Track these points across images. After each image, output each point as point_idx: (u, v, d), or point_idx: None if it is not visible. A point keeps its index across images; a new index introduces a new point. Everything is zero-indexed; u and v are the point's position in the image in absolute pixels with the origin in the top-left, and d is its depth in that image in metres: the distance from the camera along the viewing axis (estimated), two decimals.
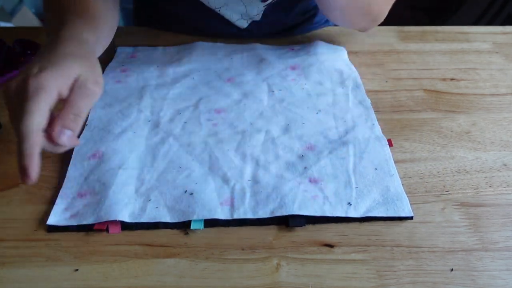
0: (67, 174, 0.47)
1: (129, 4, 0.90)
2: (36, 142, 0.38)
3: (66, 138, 0.40)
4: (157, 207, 0.44)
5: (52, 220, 0.42)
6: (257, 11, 0.68)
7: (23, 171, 0.37)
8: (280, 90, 0.60)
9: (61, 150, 0.41)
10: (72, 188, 0.46)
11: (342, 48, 0.68)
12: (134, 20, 0.90)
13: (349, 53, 0.68)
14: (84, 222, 0.42)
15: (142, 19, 0.86)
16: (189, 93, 0.59)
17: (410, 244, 0.41)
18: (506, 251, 0.41)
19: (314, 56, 0.65)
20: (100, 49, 0.54)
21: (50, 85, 0.39)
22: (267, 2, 0.66)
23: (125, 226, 0.43)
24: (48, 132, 0.39)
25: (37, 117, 0.38)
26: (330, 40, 0.70)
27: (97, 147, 0.50)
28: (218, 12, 0.69)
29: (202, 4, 0.68)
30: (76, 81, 0.41)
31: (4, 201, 0.45)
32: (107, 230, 0.42)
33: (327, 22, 0.80)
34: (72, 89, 0.40)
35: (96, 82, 0.42)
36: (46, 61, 0.41)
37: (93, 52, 0.48)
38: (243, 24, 0.71)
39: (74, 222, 0.42)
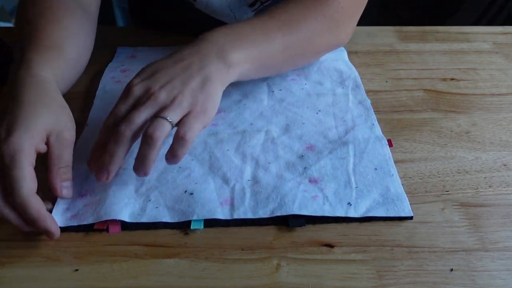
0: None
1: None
2: (38, 204, 0.38)
3: (67, 190, 0.42)
4: (157, 207, 0.44)
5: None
6: (246, 17, 0.68)
7: (47, 234, 0.39)
8: (280, 90, 0.60)
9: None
10: (73, 187, 0.46)
11: (342, 48, 0.68)
12: (132, 20, 0.90)
13: (349, 53, 0.68)
14: (84, 222, 0.42)
15: (138, 19, 0.86)
16: None
17: (410, 244, 0.41)
18: (506, 251, 0.41)
19: None
20: (66, 82, 0.50)
21: (25, 147, 0.39)
22: (255, 7, 0.66)
23: (125, 226, 0.43)
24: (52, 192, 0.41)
25: (28, 183, 0.38)
26: None
27: None
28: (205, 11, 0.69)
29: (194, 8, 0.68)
30: (50, 135, 0.41)
31: None
32: (107, 230, 0.42)
33: None
34: (50, 144, 0.41)
35: (69, 129, 0.43)
36: (13, 121, 0.40)
37: (55, 91, 0.45)
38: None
39: (74, 223, 0.42)
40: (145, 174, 0.42)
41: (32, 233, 0.42)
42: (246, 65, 0.48)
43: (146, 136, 0.40)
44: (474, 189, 0.47)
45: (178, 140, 0.41)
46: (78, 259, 0.40)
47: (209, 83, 0.44)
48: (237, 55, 0.47)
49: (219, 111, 0.56)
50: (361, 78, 0.62)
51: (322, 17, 0.53)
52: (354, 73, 0.63)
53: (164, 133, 0.41)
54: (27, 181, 0.38)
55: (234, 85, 0.60)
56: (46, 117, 0.41)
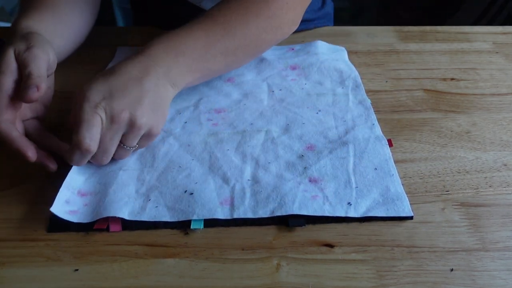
0: (70, 172, 0.48)
1: (129, 4, 0.90)
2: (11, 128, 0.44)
3: (36, 93, 0.44)
4: (157, 206, 0.44)
5: (54, 209, 0.42)
6: None
7: (21, 154, 0.44)
8: (280, 90, 0.60)
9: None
10: (73, 182, 0.46)
11: (342, 48, 0.68)
12: (134, 18, 0.91)
13: (349, 53, 0.68)
14: (84, 221, 0.42)
15: (140, 17, 0.87)
16: (189, 93, 0.59)
17: (410, 244, 0.41)
18: (506, 251, 0.41)
19: (314, 56, 0.65)
20: (59, 44, 0.53)
21: (42, 56, 0.46)
22: None
23: (125, 225, 0.43)
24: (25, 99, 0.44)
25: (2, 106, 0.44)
26: (330, 40, 0.70)
27: None
28: (199, 6, 0.69)
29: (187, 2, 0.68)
30: (23, 53, 0.46)
31: (4, 201, 0.45)
32: (107, 229, 0.42)
33: (326, 22, 0.80)
34: (21, 61, 0.45)
35: (40, 46, 0.47)
36: (32, 40, 0.46)
37: (35, 33, 0.49)
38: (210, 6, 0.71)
39: (74, 219, 0.42)
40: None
41: (32, 233, 0.42)
42: (189, 79, 0.51)
43: (114, 158, 0.47)
44: (474, 189, 0.47)
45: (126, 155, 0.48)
46: (78, 259, 0.40)
47: (160, 102, 0.47)
48: (181, 73, 0.49)
49: (219, 111, 0.56)
50: (361, 78, 0.62)
51: (265, 18, 0.54)
52: (354, 73, 0.63)
53: (127, 155, 0.48)
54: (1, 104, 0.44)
55: (234, 85, 0.61)
56: (18, 41, 0.47)
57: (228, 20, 0.52)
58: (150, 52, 0.48)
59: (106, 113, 0.43)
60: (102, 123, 0.43)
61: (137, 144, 0.47)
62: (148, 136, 0.47)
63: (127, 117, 0.44)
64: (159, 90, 0.47)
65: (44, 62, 0.46)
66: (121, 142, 0.45)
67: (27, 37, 0.48)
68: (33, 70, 0.44)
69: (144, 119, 0.44)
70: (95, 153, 0.44)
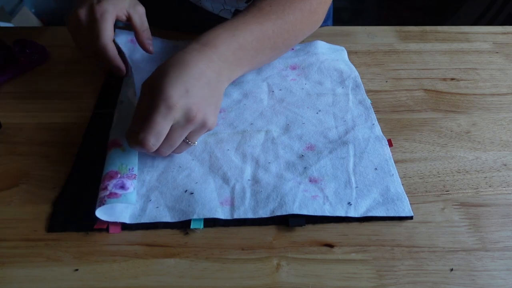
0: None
1: None
2: (113, 49, 0.55)
3: (151, 46, 0.59)
4: (157, 207, 0.44)
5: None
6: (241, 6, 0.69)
7: (117, 70, 0.57)
8: (280, 90, 0.60)
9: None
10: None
11: (342, 48, 0.68)
12: None
13: (349, 53, 0.68)
14: (84, 222, 0.42)
15: None
16: None
17: (410, 244, 0.41)
18: (506, 251, 0.41)
19: (314, 56, 0.65)
20: None
21: (110, 10, 0.54)
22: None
23: (125, 226, 0.43)
24: (140, 42, 0.58)
25: (109, 32, 0.54)
26: (330, 40, 0.70)
27: None
28: (200, 5, 0.69)
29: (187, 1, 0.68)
30: (128, 9, 0.57)
31: (4, 201, 0.45)
32: (107, 230, 0.42)
33: (326, 22, 0.80)
34: (130, 16, 0.57)
35: (140, 4, 0.59)
36: None
37: None
38: (228, 15, 0.71)
39: (74, 222, 0.42)
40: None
41: (32, 233, 0.42)
42: (241, 72, 0.52)
43: (174, 151, 0.47)
44: (474, 189, 0.47)
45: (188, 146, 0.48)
46: (78, 259, 0.40)
47: (220, 99, 0.49)
48: (236, 68, 0.51)
49: (219, 111, 0.56)
50: (361, 78, 0.62)
51: (308, 12, 0.56)
52: (354, 73, 0.63)
53: (184, 151, 0.49)
54: (108, 31, 0.54)
55: (234, 85, 0.61)
56: None
57: (278, 15, 0.54)
58: (213, 43, 0.48)
59: (182, 112, 0.43)
60: (173, 122, 0.43)
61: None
62: (202, 130, 0.47)
63: (202, 117, 0.44)
64: (222, 88, 0.49)
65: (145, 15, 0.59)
66: (188, 139, 0.46)
67: None
68: (148, 26, 0.58)
69: (213, 119, 0.46)
70: (161, 147, 0.45)
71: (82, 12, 0.54)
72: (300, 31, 0.57)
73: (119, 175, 0.44)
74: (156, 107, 0.42)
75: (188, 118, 0.43)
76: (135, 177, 0.44)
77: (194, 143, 0.47)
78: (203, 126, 0.45)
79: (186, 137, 0.46)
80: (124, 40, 0.63)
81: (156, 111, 0.42)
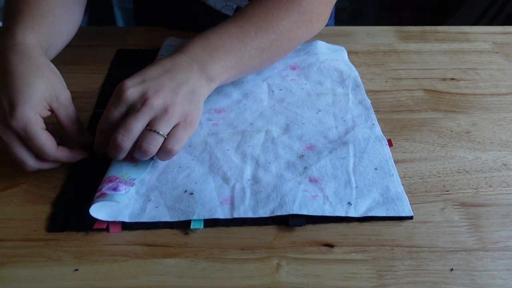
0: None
1: (129, 4, 0.90)
2: (66, 154, 0.47)
3: (87, 137, 0.49)
4: (157, 206, 0.44)
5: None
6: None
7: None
8: (280, 90, 0.60)
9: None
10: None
11: (342, 48, 0.68)
12: (134, 20, 0.91)
13: (349, 53, 0.68)
14: (84, 222, 0.42)
15: (142, 19, 0.87)
16: None
17: (410, 244, 0.41)
18: (506, 251, 0.41)
19: (314, 56, 0.65)
20: (51, 48, 0.54)
21: (31, 118, 0.44)
22: None
23: (125, 226, 0.43)
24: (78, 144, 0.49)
25: (49, 145, 0.45)
26: (330, 40, 0.70)
27: None
28: (205, 1, 0.69)
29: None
30: (51, 102, 0.46)
31: (4, 201, 0.45)
32: (107, 229, 0.42)
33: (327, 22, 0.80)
34: (54, 110, 0.47)
35: (63, 90, 0.47)
36: (13, 96, 0.44)
37: (41, 56, 0.49)
38: (229, 11, 0.71)
39: (74, 222, 0.42)
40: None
41: (32, 233, 0.42)
42: (225, 75, 0.51)
43: (140, 149, 0.44)
44: (474, 189, 0.47)
45: (166, 152, 0.45)
46: (78, 259, 0.40)
47: (195, 95, 0.47)
48: (216, 68, 0.50)
49: (219, 111, 0.56)
50: (361, 78, 0.62)
51: (296, 13, 0.55)
52: (354, 73, 0.63)
53: (157, 147, 0.44)
54: (47, 144, 0.45)
55: (234, 85, 0.61)
56: (42, 86, 0.46)
57: (261, 17, 0.53)
58: (186, 49, 0.49)
59: (136, 96, 0.44)
60: (127, 108, 0.45)
61: (171, 135, 0.45)
62: (185, 127, 0.45)
63: (160, 102, 0.44)
64: (193, 83, 0.47)
65: (73, 105, 0.49)
66: (151, 126, 0.44)
67: (52, 73, 0.48)
68: (76, 116, 0.49)
69: (178, 108, 0.45)
70: (116, 133, 0.44)
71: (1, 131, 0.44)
72: (290, 31, 0.55)
73: (117, 180, 0.44)
74: (111, 97, 0.45)
75: (143, 101, 0.44)
76: (132, 185, 0.44)
77: (163, 134, 0.44)
78: (166, 112, 0.44)
79: (150, 126, 0.44)
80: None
81: (110, 99, 0.45)
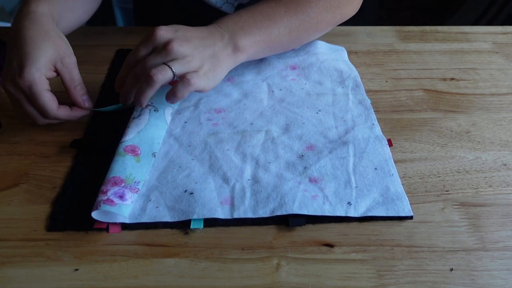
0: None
1: (129, 4, 0.90)
2: (66, 113, 0.51)
3: (88, 102, 0.53)
4: (157, 206, 0.44)
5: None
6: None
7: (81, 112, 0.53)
8: (280, 90, 0.60)
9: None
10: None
11: (342, 48, 0.68)
12: (134, 20, 0.91)
13: (349, 53, 0.68)
14: (84, 222, 0.42)
15: (142, 19, 0.87)
16: None
17: (410, 244, 0.41)
18: (506, 251, 0.41)
19: (314, 56, 0.65)
20: (64, 20, 0.58)
21: (36, 78, 0.48)
22: None
23: (125, 225, 0.43)
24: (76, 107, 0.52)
25: (50, 105, 0.49)
26: (330, 40, 0.70)
27: None
28: (205, 1, 0.69)
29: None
30: (56, 64, 0.50)
31: (4, 201, 0.45)
32: (107, 229, 0.42)
33: None
34: (58, 71, 0.51)
35: (69, 54, 0.52)
36: (22, 57, 0.49)
37: (50, 23, 0.53)
38: (230, 9, 0.71)
39: (74, 222, 0.42)
40: (141, 105, 0.49)
41: (32, 233, 0.42)
42: (253, 48, 0.55)
43: (148, 75, 0.47)
44: (474, 189, 0.47)
45: (184, 81, 0.47)
46: (78, 259, 0.40)
47: (217, 61, 0.51)
48: (246, 41, 0.53)
49: (219, 111, 0.56)
50: (361, 78, 0.62)
51: None
52: (354, 72, 0.63)
53: (164, 79, 0.47)
54: (49, 104, 0.49)
55: (234, 85, 0.61)
56: (48, 49, 0.50)
57: (290, 0, 0.57)
58: (221, 22, 0.54)
59: (162, 40, 0.48)
60: (153, 47, 0.49)
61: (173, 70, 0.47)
62: (200, 75, 0.48)
63: (181, 50, 0.48)
64: (219, 50, 0.51)
65: (77, 68, 0.53)
66: (167, 62, 0.48)
67: (59, 38, 0.52)
68: (80, 80, 0.53)
69: (196, 61, 0.49)
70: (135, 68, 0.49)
71: (11, 88, 0.49)
72: (318, 14, 0.58)
73: (123, 184, 0.44)
74: (144, 36, 0.49)
75: (165, 45, 0.48)
76: (137, 191, 0.44)
77: (175, 72, 0.47)
78: (183, 59, 0.48)
79: (168, 63, 0.47)
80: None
81: (142, 39, 0.50)
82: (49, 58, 0.50)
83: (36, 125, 0.54)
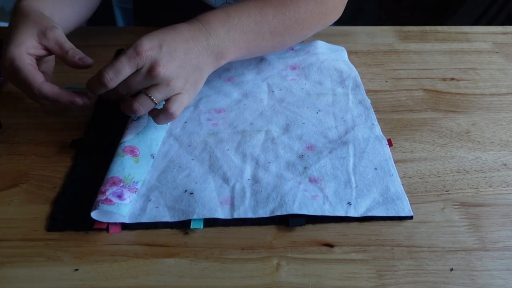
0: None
1: (129, 4, 0.90)
2: (50, 87, 0.49)
3: (86, 59, 0.51)
4: (157, 206, 0.44)
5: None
6: None
7: (73, 104, 0.51)
8: (280, 90, 0.60)
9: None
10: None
11: (342, 48, 0.68)
12: (134, 20, 0.91)
13: (349, 53, 0.68)
14: (84, 222, 0.42)
15: (142, 19, 0.87)
16: None
17: (410, 244, 0.41)
18: (506, 251, 0.41)
19: (314, 56, 0.65)
20: (59, 16, 0.57)
21: (16, 54, 0.48)
22: None
23: (125, 226, 0.43)
24: (78, 64, 0.51)
25: (32, 77, 0.48)
26: (330, 40, 0.70)
27: None
28: (205, 1, 0.69)
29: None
30: (41, 40, 0.50)
31: (4, 201, 0.45)
32: (107, 229, 0.42)
33: None
34: (47, 46, 0.50)
35: (51, 28, 0.51)
36: (7, 41, 0.50)
37: (37, 12, 0.53)
38: None
39: (74, 222, 0.42)
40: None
41: (32, 233, 0.42)
42: (236, 54, 0.53)
43: (131, 107, 0.47)
44: (474, 189, 0.47)
45: (167, 114, 0.47)
46: (78, 259, 0.40)
47: (200, 71, 0.50)
48: (230, 47, 0.52)
49: (219, 111, 0.56)
50: (361, 78, 0.62)
51: (313, 3, 0.57)
52: (354, 72, 0.63)
53: (147, 110, 0.48)
54: (30, 76, 0.48)
55: (234, 85, 0.61)
56: (27, 28, 0.50)
57: (280, 1, 0.55)
58: (206, 21, 0.51)
59: (148, 62, 0.46)
60: (137, 68, 0.46)
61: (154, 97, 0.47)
62: (183, 94, 0.48)
63: (166, 75, 0.46)
64: (203, 60, 0.50)
65: (65, 38, 0.52)
66: (148, 91, 0.47)
67: (40, 18, 0.52)
68: (71, 45, 0.51)
69: (180, 81, 0.47)
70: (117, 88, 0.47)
71: (6, 74, 0.50)
72: (305, 20, 0.57)
73: (121, 184, 0.44)
74: (126, 50, 0.46)
75: (151, 70, 0.46)
76: (136, 191, 0.44)
77: (156, 102, 0.47)
78: (167, 86, 0.47)
79: (149, 92, 0.47)
80: None
81: (124, 53, 0.46)
82: (29, 35, 0.50)
83: (36, 125, 0.54)
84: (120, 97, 0.49)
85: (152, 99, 0.47)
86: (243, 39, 0.53)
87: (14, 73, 0.49)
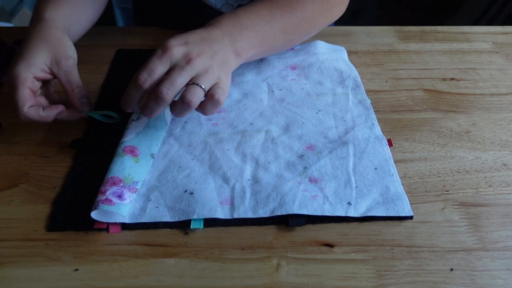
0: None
1: (129, 4, 0.90)
2: (34, 111, 0.49)
3: (86, 105, 0.52)
4: (157, 206, 0.44)
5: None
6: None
7: (59, 117, 0.51)
8: (280, 90, 0.60)
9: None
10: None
11: (342, 48, 0.68)
12: (134, 20, 0.91)
13: (349, 53, 0.68)
14: (84, 222, 0.42)
15: (142, 19, 0.87)
16: None
17: (410, 244, 0.41)
18: (506, 251, 0.41)
19: (314, 56, 0.65)
20: (74, 24, 0.59)
21: (21, 75, 0.49)
22: None
23: (125, 226, 0.43)
24: (74, 108, 0.52)
25: (22, 100, 0.48)
26: (330, 40, 0.70)
27: None
28: (204, 1, 0.69)
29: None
30: (51, 66, 0.51)
31: (4, 201, 0.45)
32: (107, 229, 0.42)
33: None
34: (55, 74, 0.51)
35: (67, 57, 0.51)
36: (17, 58, 0.50)
37: (54, 27, 0.54)
38: (229, 10, 0.71)
39: (73, 222, 0.42)
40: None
41: (32, 233, 0.42)
42: (250, 52, 0.55)
43: (184, 101, 0.46)
44: (474, 189, 0.47)
45: (213, 101, 0.47)
46: (78, 259, 0.40)
47: (227, 65, 0.51)
48: (244, 45, 0.53)
49: (219, 111, 0.56)
50: (361, 78, 0.62)
51: (319, 2, 0.59)
52: (354, 72, 0.63)
53: (199, 99, 0.47)
54: (20, 101, 0.48)
55: (234, 85, 0.61)
56: (42, 51, 0.51)
57: (287, 2, 0.57)
58: (219, 24, 0.53)
59: (180, 54, 0.47)
60: (170, 65, 0.47)
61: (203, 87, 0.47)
62: (206, 76, 0.47)
63: (202, 64, 0.47)
64: (226, 54, 0.51)
65: (76, 71, 0.53)
66: (193, 81, 0.47)
67: (59, 41, 0.52)
68: (79, 82, 0.52)
69: (215, 71, 0.48)
70: (160, 85, 0.46)
71: (7, 71, 0.51)
72: (312, 18, 0.59)
73: (121, 184, 0.44)
74: (155, 52, 0.47)
75: (187, 60, 0.46)
76: (136, 191, 0.44)
77: (205, 89, 0.47)
78: (206, 72, 0.47)
79: (194, 81, 0.46)
80: None
81: (154, 54, 0.47)
82: (42, 59, 0.50)
83: (36, 125, 0.54)
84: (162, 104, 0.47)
85: (200, 86, 0.46)
86: (256, 37, 0.54)
87: (12, 88, 0.49)
